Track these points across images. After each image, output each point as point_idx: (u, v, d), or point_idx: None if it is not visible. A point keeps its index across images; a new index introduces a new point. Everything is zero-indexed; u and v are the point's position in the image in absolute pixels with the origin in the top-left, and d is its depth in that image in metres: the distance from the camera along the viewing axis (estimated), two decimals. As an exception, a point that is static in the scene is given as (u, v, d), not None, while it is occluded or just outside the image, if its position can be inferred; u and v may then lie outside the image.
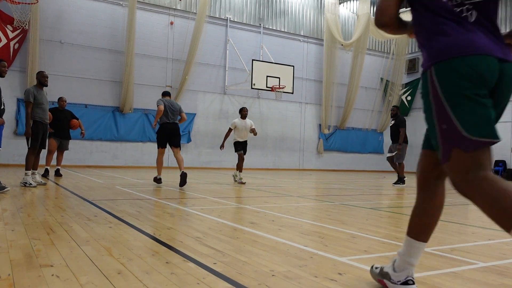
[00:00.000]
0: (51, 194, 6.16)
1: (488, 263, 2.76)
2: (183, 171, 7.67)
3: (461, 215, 5.47)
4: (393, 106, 10.81)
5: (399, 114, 10.53)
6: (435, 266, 2.63)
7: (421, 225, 1.95)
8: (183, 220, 4.12)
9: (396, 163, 10.51)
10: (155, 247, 2.90)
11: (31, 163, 7.10)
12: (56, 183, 7.88)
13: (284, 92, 16.67)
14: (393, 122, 10.53)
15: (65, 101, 9.83)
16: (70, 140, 9.97)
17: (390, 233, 3.72)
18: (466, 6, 1.73)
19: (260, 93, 18.36)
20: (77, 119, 9.83)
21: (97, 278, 2.15)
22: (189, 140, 16.91)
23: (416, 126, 21.85)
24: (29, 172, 7.04)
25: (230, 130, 9.72)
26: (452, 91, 1.67)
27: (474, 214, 5.63)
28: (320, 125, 20.22)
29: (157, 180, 8.13)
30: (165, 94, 8.37)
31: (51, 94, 12.93)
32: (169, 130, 8.04)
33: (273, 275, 2.32)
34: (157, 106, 7.99)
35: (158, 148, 8.17)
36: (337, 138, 20.62)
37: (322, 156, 20.39)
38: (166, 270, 2.33)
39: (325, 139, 20.31)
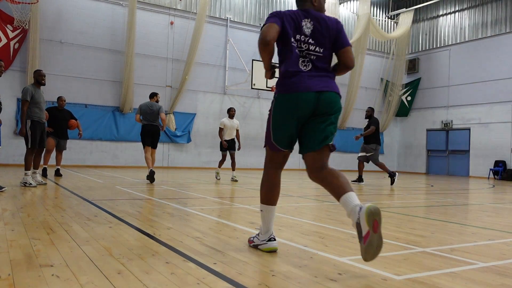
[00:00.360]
0: (51, 194, 6.15)
1: (488, 263, 2.76)
2: (151, 169, 8.66)
3: (461, 215, 5.47)
4: (368, 108, 11.10)
5: (373, 115, 10.83)
6: (435, 266, 2.63)
7: (332, 189, 2.62)
8: (183, 220, 4.12)
9: (364, 163, 10.83)
10: (155, 247, 2.90)
11: (30, 163, 7.08)
12: (56, 183, 7.88)
13: (284, 92, 16.64)
14: (367, 122, 10.75)
15: (64, 101, 9.79)
16: (68, 140, 9.96)
17: (390, 233, 3.72)
18: (305, 59, 2.71)
19: (260, 93, 18.36)
20: (76, 119, 9.79)
21: (97, 278, 2.15)
22: (189, 140, 16.91)
23: (416, 126, 21.86)
24: (29, 172, 7.03)
25: (221, 129, 10.22)
26: (278, 112, 2.73)
27: (474, 214, 5.63)
28: (320, 125, 20.20)
29: (150, 173, 8.61)
30: (151, 96, 9.13)
31: (51, 94, 12.96)
32: (150, 132, 8.92)
33: (273, 275, 2.32)
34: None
35: (143, 147, 9.06)
36: (337, 138, 20.55)
37: (322, 156, 20.38)
38: (166, 270, 2.33)
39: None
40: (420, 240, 3.46)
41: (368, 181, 12.81)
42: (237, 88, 17.79)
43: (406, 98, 22.09)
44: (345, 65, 2.79)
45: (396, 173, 10.57)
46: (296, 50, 2.71)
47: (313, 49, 2.73)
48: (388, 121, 21.98)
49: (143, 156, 15.75)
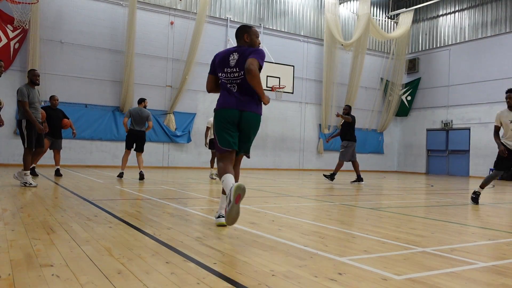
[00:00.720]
0: (51, 194, 6.15)
1: (488, 263, 2.76)
2: (141, 171, 9.29)
3: (461, 215, 5.47)
4: (345, 105, 11.40)
5: (350, 113, 11.04)
6: (435, 266, 2.63)
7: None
8: (183, 220, 4.12)
9: (356, 161, 10.84)
10: (155, 247, 2.90)
11: (29, 162, 7.07)
12: (56, 183, 7.88)
13: (284, 92, 16.66)
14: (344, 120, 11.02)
15: (57, 100, 9.79)
16: (68, 140, 9.96)
17: (390, 233, 3.72)
18: (232, 84, 3.74)
19: (260, 93, 18.32)
20: (68, 118, 9.83)
21: (97, 278, 2.15)
22: (189, 140, 16.91)
23: (416, 126, 21.86)
24: (28, 172, 7.02)
25: (208, 128, 10.44)
26: (216, 124, 3.77)
27: (474, 214, 5.63)
28: (320, 125, 20.22)
29: (119, 174, 9.32)
30: (139, 102, 9.69)
31: (50, 93, 12.93)
32: (135, 136, 9.42)
33: (273, 275, 2.32)
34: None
35: (125, 149, 9.55)
36: (337, 138, 20.59)
37: (322, 156, 20.39)
38: (166, 270, 2.33)
39: (325, 139, 20.30)
40: (420, 240, 3.46)
41: (368, 180, 12.82)
42: (237, 88, 17.76)
43: (406, 98, 22.08)
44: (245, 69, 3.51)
45: (334, 177, 10.74)
46: (224, 80, 3.78)
47: (237, 75, 3.69)
48: (388, 121, 21.98)
49: (143, 156, 15.76)
